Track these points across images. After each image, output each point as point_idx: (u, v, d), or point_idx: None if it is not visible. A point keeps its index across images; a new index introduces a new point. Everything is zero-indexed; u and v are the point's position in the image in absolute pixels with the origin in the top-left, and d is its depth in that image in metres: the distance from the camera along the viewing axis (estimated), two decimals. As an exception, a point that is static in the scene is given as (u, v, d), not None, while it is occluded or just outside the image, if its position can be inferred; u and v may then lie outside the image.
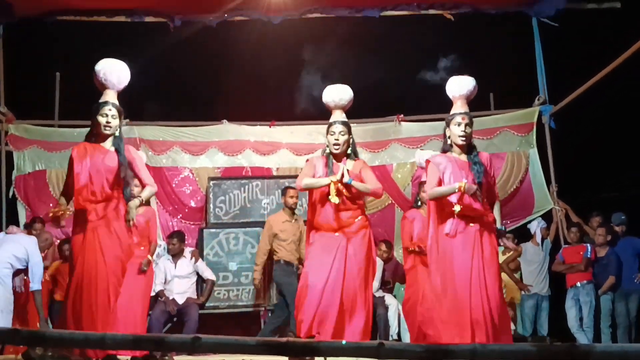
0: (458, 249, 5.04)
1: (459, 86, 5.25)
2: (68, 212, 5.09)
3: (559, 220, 9.07)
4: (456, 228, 5.07)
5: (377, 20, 9.27)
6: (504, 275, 8.52)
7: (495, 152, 9.16)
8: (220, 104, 10.55)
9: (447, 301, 5.09)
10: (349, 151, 5.53)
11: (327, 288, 5.29)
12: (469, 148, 5.21)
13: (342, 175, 5.33)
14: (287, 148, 9.61)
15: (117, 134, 5.13)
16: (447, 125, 5.22)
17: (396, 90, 10.70)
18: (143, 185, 5.27)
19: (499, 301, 5.04)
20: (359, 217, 5.50)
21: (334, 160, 5.51)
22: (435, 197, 5.13)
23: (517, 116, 9.73)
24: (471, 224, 5.06)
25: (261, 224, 8.78)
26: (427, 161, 5.30)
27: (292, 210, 8.00)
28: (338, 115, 5.53)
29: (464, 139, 5.14)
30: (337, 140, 5.45)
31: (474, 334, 4.89)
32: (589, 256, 8.12)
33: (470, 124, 5.17)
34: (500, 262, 8.23)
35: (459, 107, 5.22)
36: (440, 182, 5.14)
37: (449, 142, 5.23)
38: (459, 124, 5.14)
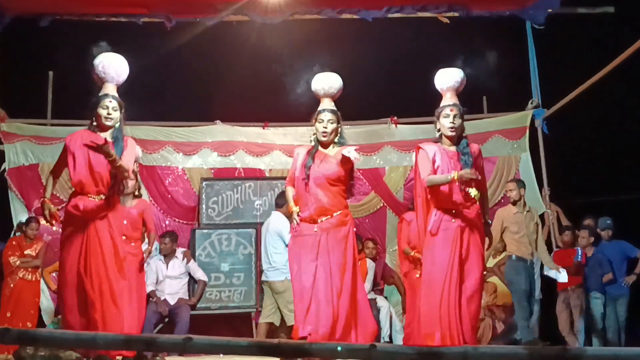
0: (438, 246, 5.06)
1: (447, 78, 5.26)
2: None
3: (551, 223, 9.08)
4: (438, 225, 5.08)
5: (371, 23, 9.26)
6: (495, 279, 8.53)
7: (487, 156, 9.16)
8: (214, 104, 10.53)
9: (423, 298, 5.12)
10: (336, 139, 5.48)
11: (316, 287, 5.17)
12: (458, 139, 5.22)
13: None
14: (280, 149, 9.56)
15: (117, 125, 5.16)
16: (437, 118, 5.23)
17: (389, 92, 10.71)
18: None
19: (472, 301, 5.02)
20: (339, 212, 5.34)
21: (319, 147, 5.46)
22: (432, 184, 5.12)
23: (510, 120, 9.74)
24: (453, 220, 5.06)
25: (253, 225, 8.76)
26: (418, 147, 5.30)
27: (515, 202, 7.47)
28: (327, 104, 5.47)
29: (453, 130, 5.15)
30: (326, 128, 5.40)
31: (443, 333, 4.87)
32: (579, 260, 8.14)
33: (459, 116, 5.17)
34: (492, 265, 8.29)
35: (448, 99, 5.23)
36: (434, 169, 5.13)
37: (438, 134, 5.24)
38: (448, 116, 5.16)
